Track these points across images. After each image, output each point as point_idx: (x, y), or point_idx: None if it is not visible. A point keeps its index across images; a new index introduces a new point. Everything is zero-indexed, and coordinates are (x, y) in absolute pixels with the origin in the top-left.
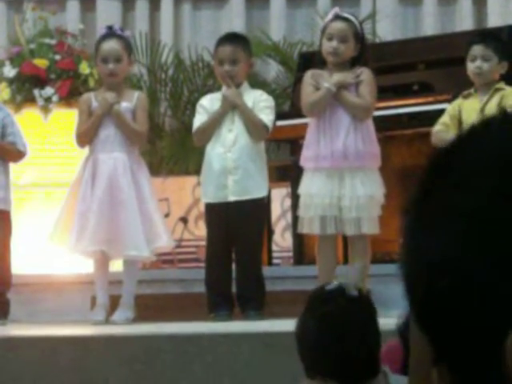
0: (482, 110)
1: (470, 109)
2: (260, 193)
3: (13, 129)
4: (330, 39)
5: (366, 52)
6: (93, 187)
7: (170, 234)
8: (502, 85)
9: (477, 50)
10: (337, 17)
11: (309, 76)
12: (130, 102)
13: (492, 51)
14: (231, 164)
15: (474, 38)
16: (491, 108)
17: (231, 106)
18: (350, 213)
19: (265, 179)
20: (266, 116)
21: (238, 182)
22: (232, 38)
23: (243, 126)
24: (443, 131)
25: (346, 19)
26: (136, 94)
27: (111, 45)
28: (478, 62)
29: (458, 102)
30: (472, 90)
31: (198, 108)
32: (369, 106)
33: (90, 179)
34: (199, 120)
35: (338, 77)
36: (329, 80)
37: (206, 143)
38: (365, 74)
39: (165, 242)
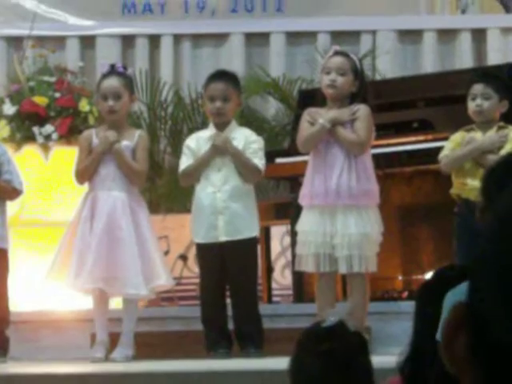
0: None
1: (470, 139)
2: (251, 232)
3: (9, 167)
4: (328, 73)
5: (365, 89)
6: (91, 225)
7: (170, 273)
8: (503, 124)
9: (477, 88)
10: (336, 53)
11: (306, 113)
12: (131, 140)
13: (492, 90)
14: (221, 204)
15: (474, 77)
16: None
17: (220, 152)
18: (342, 251)
19: (255, 218)
20: (259, 160)
21: (229, 222)
22: (223, 76)
23: (233, 165)
24: (451, 153)
25: (344, 54)
26: (137, 132)
27: (111, 82)
28: (479, 100)
29: (461, 133)
30: (474, 126)
31: (184, 149)
32: (363, 142)
33: (88, 216)
34: (185, 162)
35: (334, 113)
36: (325, 116)
37: (192, 184)
38: (361, 110)
39: (164, 281)
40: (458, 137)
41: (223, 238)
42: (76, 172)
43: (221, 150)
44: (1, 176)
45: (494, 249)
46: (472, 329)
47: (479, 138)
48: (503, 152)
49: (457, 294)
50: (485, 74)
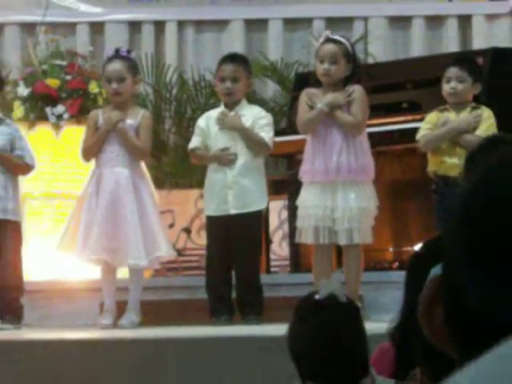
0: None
1: (447, 120)
2: (259, 206)
3: (21, 143)
4: (322, 61)
5: (359, 71)
6: (97, 200)
7: (171, 245)
8: (476, 104)
9: (452, 71)
10: (327, 39)
11: (304, 95)
12: (135, 119)
13: (466, 73)
14: (231, 179)
15: (449, 61)
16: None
17: (229, 129)
18: (343, 224)
19: (264, 193)
20: (267, 134)
21: (238, 196)
22: (234, 58)
23: (242, 142)
24: (429, 133)
25: (336, 41)
26: (141, 112)
27: (115, 66)
28: (453, 83)
29: (436, 113)
30: (447, 106)
31: (195, 128)
32: (360, 123)
33: (94, 192)
34: (194, 141)
35: (331, 97)
36: (322, 100)
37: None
38: (356, 92)
39: (165, 252)
40: (433, 117)
41: (232, 211)
42: (82, 150)
43: (232, 127)
44: (13, 152)
45: (461, 220)
46: (446, 300)
47: (453, 118)
48: (478, 132)
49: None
50: (459, 58)
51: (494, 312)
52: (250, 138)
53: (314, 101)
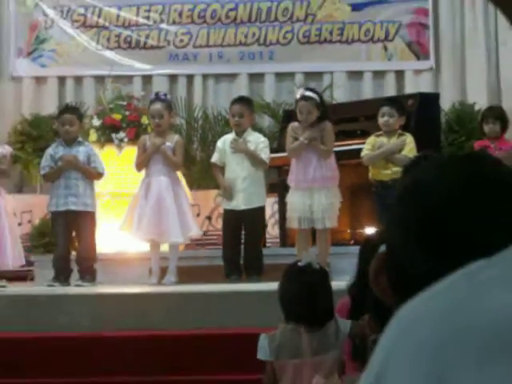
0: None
1: (381, 143)
2: (261, 203)
3: (95, 158)
4: (301, 113)
5: (327, 111)
6: (146, 199)
7: (198, 227)
8: (401, 132)
9: (384, 109)
10: (302, 97)
11: (290, 129)
12: (172, 142)
13: (395, 110)
14: (240, 185)
15: (382, 102)
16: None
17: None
18: (318, 214)
19: (263, 194)
20: (265, 155)
21: (246, 197)
22: (240, 100)
23: (248, 161)
24: (370, 153)
25: (308, 98)
26: (176, 137)
27: (156, 106)
28: (386, 117)
29: (373, 138)
30: (382, 133)
31: (216, 148)
32: (329, 150)
33: (144, 194)
34: (215, 157)
35: (308, 134)
36: (303, 134)
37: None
38: (327, 127)
39: (194, 232)
40: (372, 141)
41: (242, 207)
42: (136, 164)
43: (240, 151)
44: (90, 165)
45: (401, 204)
46: (390, 271)
47: (386, 142)
48: (404, 152)
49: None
50: (389, 99)
51: (424, 274)
52: (253, 158)
53: (297, 133)
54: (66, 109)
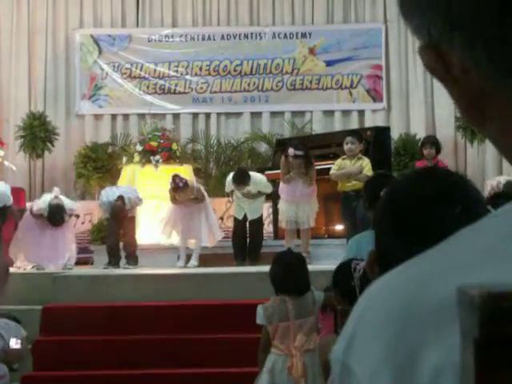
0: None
1: (345, 165)
2: (259, 214)
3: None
4: (293, 167)
5: (310, 157)
6: (180, 208)
7: (220, 230)
8: (360, 156)
9: (348, 138)
10: (294, 156)
11: (283, 161)
12: (194, 190)
13: (356, 139)
14: (247, 205)
15: (346, 133)
16: (354, 165)
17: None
18: (302, 219)
19: (261, 209)
20: (267, 188)
21: (251, 210)
22: (238, 178)
23: (253, 192)
24: (336, 172)
25: (299, 156)
26: (195, 187)
27: (179, 192)
28: (349, 145)
29: (340, 160)
30: (346, 156)
31: (227, 179)
32: (313, 180)
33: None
34: (226, 186)
35: (297, 169)
36: (293, 170)
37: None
38: (311, 167)
39: (218, 236)
40: (338, 162)
41: (248, 217)
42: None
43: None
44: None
45: (384, 207)
46: (380, 261)
47: (348, 163)
48: (364, 171)
49: (354, 240)
50: (352, 131)
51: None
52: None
53: (289, 168)
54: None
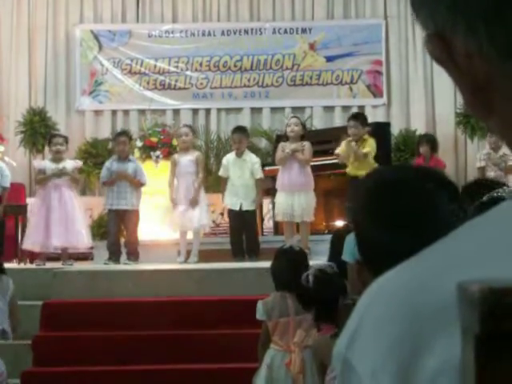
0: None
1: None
2: (254, 206)
3: (140, 172)
4: (289, 126)
5: (306, 134)
6: (180, 201)
7: (210, 220)
8: (366, 136)
9: (351, 123)
10: (292, 116)
11: (279, 146)
12: (193, 156)
13: (359, 123)
14: (241, 192)
15: (350, 117)
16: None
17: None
18: (297, 212)
19: (256, 200)
20: (260, 172)
21: (245, 200)
22: (238, 129)
23: (247, 175)
24: (342, 155)
25: (296, 117)
26: (197, 153)
27: (184, 129)
28: (352, 129)
29: (345, 142)
30: (350, 138)
31: (222, 164)
32: (307, 160)
33: (177, 193)
34: (221, 171)
35: (293, 146)
36: (288, 147)
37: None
38: (306, 144)
39: (206, 224)
40: (344, 144)
41: (243, 208)
42: (168, 181)
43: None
44: (136, 177)
45: (366, 198)
46: (372, 260)
47: (354, 145)
48: (365, 150)
49: (352, 237)
50: (354, 115)
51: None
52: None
53: (284, 148)
54: (121, 133)
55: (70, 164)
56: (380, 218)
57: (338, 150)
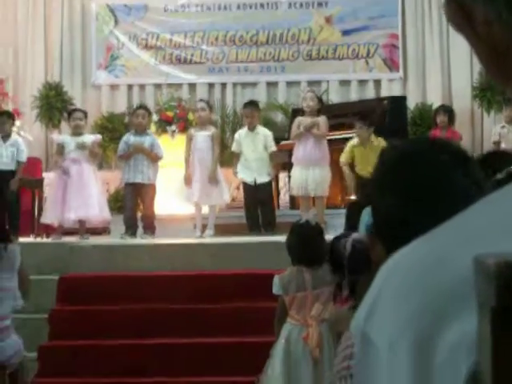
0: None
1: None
2: (269, 178)
3: (157, 145)
4: (305, 99)
5: (323, 108)
6: (196, 173)
7: (229, 194)
8: (373, 138)
9: (357, 125)
10: (308, 90)
11: (296, 121)
12: (210, 131)
13: (364, 124)
14: (254, 166)
15: (355, 119)
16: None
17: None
18: (311, 186)
19: (270, 173)
20: (274, 145)
21: (259, 174)
22: (250, 103)
23: (260, 148)
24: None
25: (312, 91)
26: (212, 129)
27: (200, 103)
28: (359, 130)
29: (351, 147)
30: (357, 142)
31: (234, 139)
32: (323, 135)
33: (193, 167)
34: (234, 146)
35: (308, 122)
36: (304, 122)
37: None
38: (322, 119)
39: (227, 198)
40: (349, 149)
41: (257, 181)
42: (184, 153)
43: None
44: (153, 150)
45: (381, 171)
46: (386, 233)
47: (363, 149)
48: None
49: (366, 211)
50: (361, 117)
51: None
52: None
53: (300, 124)
54: (140, 106)
55: (90, 138)
56: (395, 190)
57: (342, 159)
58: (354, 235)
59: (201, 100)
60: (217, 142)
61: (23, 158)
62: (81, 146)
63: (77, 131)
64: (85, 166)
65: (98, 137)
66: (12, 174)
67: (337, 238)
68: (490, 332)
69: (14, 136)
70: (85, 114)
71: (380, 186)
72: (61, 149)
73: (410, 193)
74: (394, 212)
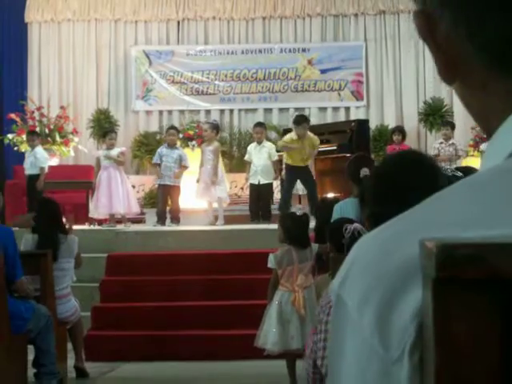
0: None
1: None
2: (270, 180)
3: (185, 157)
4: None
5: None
6: (202, 175)
7: (227, 193)
8: (310, 134)
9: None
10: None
11: (288, 136)
12: (213, 147)
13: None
14: (260, 170)
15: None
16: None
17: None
18: (301, 185)
19: (273, 175)
20: (276, 155)
21: (262, 176)
22: (259, 124)
23: (265, 158)
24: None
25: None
26: (215, 144)
27: (204, 127)
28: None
29: (291, 135)
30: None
31: (247, 151)
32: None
33: (203, 174)
34: (246, 156)
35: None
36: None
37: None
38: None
39: (223, 197)
40: (290, 136)
41: (261, 182)
42: (200, 161)
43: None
44: (181, 162)
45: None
46: (371, 221)
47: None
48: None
49: (339, 205)
50: (298, 118)
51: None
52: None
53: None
54: (172, 127)
55: (116, 151)
56: (394, 196)
57: (285, 140)
58: (356, 225)
59: (206, 122)
60: (216, 155)
61: (43, 163)
62: (108, 158)
63: (110, 146)
64: (112, 172)
65: (123, 149)
66: (36, 177)
67: (335, 223)
68: (431, 298)
69: (37, 148)
70: (116, 134)
71: (379, 194)
72: (98, 160)
73: (407, 196)
74: (395, 214)
